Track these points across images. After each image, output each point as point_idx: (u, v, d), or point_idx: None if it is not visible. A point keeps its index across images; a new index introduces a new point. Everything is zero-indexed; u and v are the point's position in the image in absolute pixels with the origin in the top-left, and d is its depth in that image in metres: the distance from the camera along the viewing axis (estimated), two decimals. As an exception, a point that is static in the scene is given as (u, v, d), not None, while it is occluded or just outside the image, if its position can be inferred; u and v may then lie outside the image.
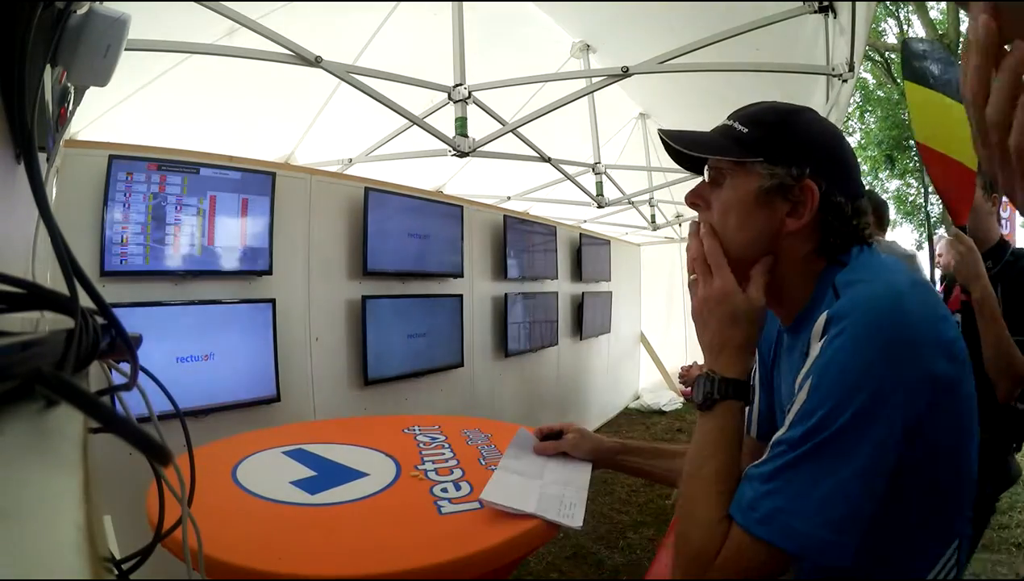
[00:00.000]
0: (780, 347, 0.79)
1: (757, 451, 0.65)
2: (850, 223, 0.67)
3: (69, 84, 0.67)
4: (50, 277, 0.65)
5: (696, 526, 0.62)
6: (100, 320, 0.36)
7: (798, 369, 0.62)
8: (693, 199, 0.74)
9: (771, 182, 0.66)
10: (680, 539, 0.64)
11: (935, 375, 0.56)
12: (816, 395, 0.57)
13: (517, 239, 3.69)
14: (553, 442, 1.14)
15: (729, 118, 0.72)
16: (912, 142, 13.17)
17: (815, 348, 0.59)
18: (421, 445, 1.39)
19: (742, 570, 0.58)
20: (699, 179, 0.76)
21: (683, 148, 0.71)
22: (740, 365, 0.69)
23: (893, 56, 12.84)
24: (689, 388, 1.38)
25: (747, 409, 0.87)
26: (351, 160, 2.82)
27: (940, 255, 2.63)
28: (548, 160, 2.95)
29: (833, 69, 1.89)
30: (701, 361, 0.76)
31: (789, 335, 0.74)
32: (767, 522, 0.56)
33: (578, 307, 4.60)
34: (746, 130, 0.69)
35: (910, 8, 11.64)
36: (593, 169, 3.33)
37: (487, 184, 3.76)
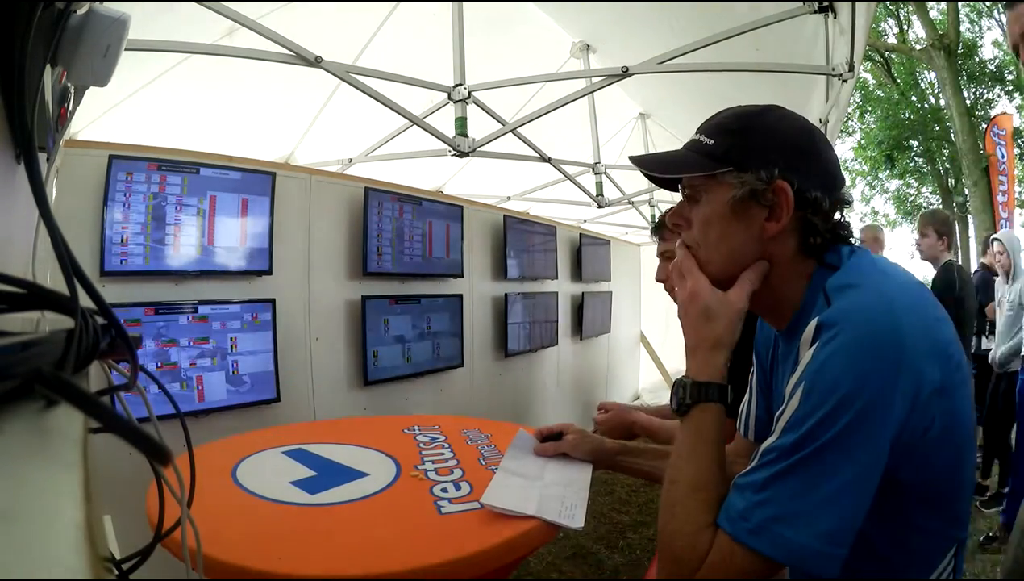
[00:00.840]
0: (777, 351, 0.78)
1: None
2: (830, 218, 0.66)
3: (69, 84, 0.67)
4: (50, 277, 0.64)
5: (679, 534, 0.61)
6: (100, 320, 0.36)
7: (790, 375, 0.62)
8: (675, 220, 0.73)
9: (742, 190, 0.65)
10: (663, 546, 0.63)
11: (929, 383, 0.56)
12: (807, 403, 0.56)
13: (517, 239, 3.69)
14: (553, 443, 1.14)
15: (697, 131, 0.71)
16: (912, 142, 13.18)
17: (806, 355, 0.59)
18: (421, 445, 1.39)
19: (730, 578, 0.57)
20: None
21: (652, 171, 0.71)
22: (712, 367, 0.68)
23: (893, 56, 12.84)
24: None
25: (744, 412, 0.87)
26: (351, 160, 2.82)
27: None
28: (548, 160, 2.95)
29: (833, 69, 1.88)
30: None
31: (784, 341, 0.74)
32: (759, 532, 0.55)
33: (578, 307, 4.60)
34: (712, 141, 0.67)
35: (910, 8, 11.64)
36: (593, 169, 3.33)
37: (487, 184, 3.76)
